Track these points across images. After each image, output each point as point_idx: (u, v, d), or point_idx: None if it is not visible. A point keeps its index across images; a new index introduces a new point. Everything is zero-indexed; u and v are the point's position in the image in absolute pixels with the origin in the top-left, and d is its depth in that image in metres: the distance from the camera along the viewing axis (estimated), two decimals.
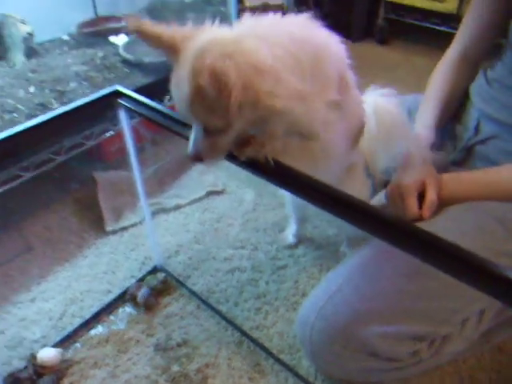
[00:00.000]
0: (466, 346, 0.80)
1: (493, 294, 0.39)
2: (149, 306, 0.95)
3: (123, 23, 1.67)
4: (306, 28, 0.55)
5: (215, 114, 0.48)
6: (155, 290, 0.98)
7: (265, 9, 1.71)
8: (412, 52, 2.17)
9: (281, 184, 0.55)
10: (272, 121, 0.52)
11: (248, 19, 0.53)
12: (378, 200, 0.94)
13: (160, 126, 0.69)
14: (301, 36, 0.52)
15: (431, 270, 0.66)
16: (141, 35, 0.53)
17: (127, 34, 1.55)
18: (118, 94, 0.77)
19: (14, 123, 1.06)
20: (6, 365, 0.85)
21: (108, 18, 1.68)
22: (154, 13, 1.75)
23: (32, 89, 1.19)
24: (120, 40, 1.51)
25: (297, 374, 0.82)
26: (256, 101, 0.47)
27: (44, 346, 0.89)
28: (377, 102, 0.78)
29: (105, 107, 0.81)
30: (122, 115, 0.80)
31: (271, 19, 0.54)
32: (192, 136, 0.54)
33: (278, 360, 0.85)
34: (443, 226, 0.78)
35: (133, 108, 0.75)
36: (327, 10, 2.39)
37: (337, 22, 2.29)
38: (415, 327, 0.71)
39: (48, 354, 0.85)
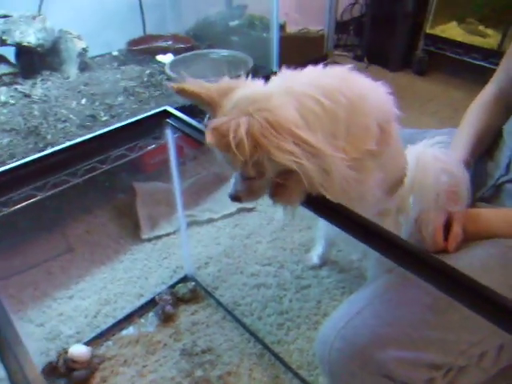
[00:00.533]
0: (482, 380, 0.81)
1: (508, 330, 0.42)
2: (166, 318, 1.01)
3: (170, 42, 1.78)
4: (344, 80, 0.58)
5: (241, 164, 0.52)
6: (184, 298, 1.04)
7: (304, 35, 1.78)
8: (450, 85, 2.17)
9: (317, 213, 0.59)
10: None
11: (285, 72, 0.58)
12: (407, 229, 0.97)
13: (203, 145, 0.75)
14: (337, 88, 0.55)
15: (451, 302, 0.68)
16: (182, 94, 0.58)
17: (174, 53, 1.65)
18: (166, 113, 0.84)
19: (65, 132, 1.15)
20: (44, 354, 0.92)
21: (156, 37, 1.79)
22: (199, 33, 1.85)
23: (84, 101, 1.28)
24: (166, 59, 1.61)
25: None
26: (268, 155, 0.50)
27: (78, 341, 0.96)
28: (419, 155, 0.79)
29: (154, 124, 0.88)
30: (169, 132, 0.87)
31: (308, 72, 0.59)
32: (232, 179, 0.60)
33: (296, 375, 0.88)
34: (467, 260, 0.80)
35: (178, 127, 0.82)
36: (367, 39, 2.44)
37: (376, 50, 2.36)
38: (432, 356, 0.73)
39: (79, 351, 0.91)
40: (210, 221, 1.31)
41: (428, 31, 2.20)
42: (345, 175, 0.55)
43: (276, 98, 0.52)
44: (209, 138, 0.49)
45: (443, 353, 0.74)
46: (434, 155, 0.80)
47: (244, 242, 1.24)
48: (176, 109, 0.83)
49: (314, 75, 0.59)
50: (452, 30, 2.17)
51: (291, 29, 1.86)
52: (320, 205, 0.58)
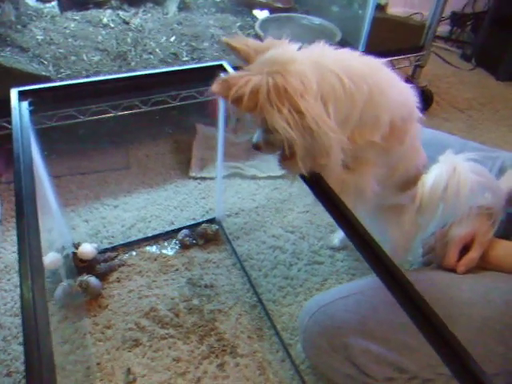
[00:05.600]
0: None
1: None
2: (184, 245, 1.12)
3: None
4: (372, 70, 0.60)
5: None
6: (206, 236, 1.15)
7: (404, 21, 1.70)
8: None
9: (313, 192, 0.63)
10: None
11: (321, 45, 0.60)
12: (428, 240, 0.97)
13: None
14: (362, 74, 0.57)
15: (440, 315, 0.69)
16: (228, 47, 0.63)
17: (270, 10, 1.67)
18: (221, 67, 0.89)
19: (147, 63, 1.26)
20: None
21: None
22: None
23: (173, 38, 1.38)
24: (262, 15, 1.65)
25: (287, 351, 0.92)
26: (264, 116, 0.53)
27: (111, 243, 1.12)
28: (457, 165, 0.78)
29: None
30: None
31: (343, 52, 0.61)
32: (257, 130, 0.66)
33: (277, 334, 0.96)
34: (471, 286, 0.80)
35: None
36: (482, 38, 2.25)
37: (488, 53, 2.18)
38: (399, 358, 0.76)
39: (86, 249, 1.02)
40: (254, 177, 1.38)
41: None
42: (338, 158, 0.57)
43: (297, 65, 0.54)
44: (214, 87, 0.54)
45: (411, 360, 0.76)
46: (473, 168, 0.79)
47: (277, 205, 1.30)
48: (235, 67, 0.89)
49: (346, 56, 0.60)
50: None
51: (393, 11, 1.78)
52: (314, 183, 0.62)
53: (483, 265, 0.83)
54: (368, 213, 0.85)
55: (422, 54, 1.68)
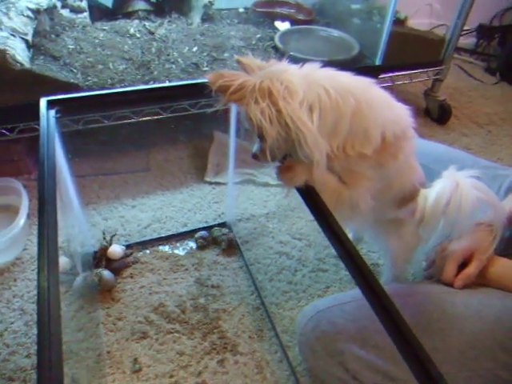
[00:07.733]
0: None
1: None
2: (200, 245, 1.19)
3: (293, 11, 1.85)
4: (361, 86, 0.64)
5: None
6: (217, 240, 1.20)
7: (424, 35, 1.71)
8: None
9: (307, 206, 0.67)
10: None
11: (315, 65, 0.65)
12: (429, 254, 0.99)
13: None
14: (350, 89, 0.61)
15: (428, 330, 0.71)
16: (238, 62, 0.69)
17: (292, 22, 1.72)
18: None
19: (169, 73, 1.33)
20: (99, 242, 1.16)
21: (281, 3, 1.86)
22: (323, 8, 1.88)
23: (195, 49, 1.44)
24: (283, 26, 1.69)
25: (285, 353, 0.97)
26: (245, 108, 0.59)
27: (127, 241, 1.19)
28: (459, 181, 0.80)
29: None
30: None
31: (334, 71, 0.65)
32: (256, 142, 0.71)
33: (277, 336, 1.00)
34: (465, 301, 0.82)
35: None
36: (508, 52, 2.23)
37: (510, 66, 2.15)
38: (390, 367, 0.79)
39: (115, 249, 1.12)
40: (266, 185, 1.43)
41: None
42: (319, 159, 0.60)
43: (287, 74, 0.60)
44: (208, 75, 0.61)
45: (401, 369, 0.78)
46: (475, 184, 0.81)
47: (287, 212, 1.35)
48: None
49: (336, 73, 0.64)
50: None
51: (413, 24, 1.79)
52: (309, 196, 0.66)
53: (482, 281, 0.85)
54: (368, 224, 0.89)
55: (440, 68, 1.69)
